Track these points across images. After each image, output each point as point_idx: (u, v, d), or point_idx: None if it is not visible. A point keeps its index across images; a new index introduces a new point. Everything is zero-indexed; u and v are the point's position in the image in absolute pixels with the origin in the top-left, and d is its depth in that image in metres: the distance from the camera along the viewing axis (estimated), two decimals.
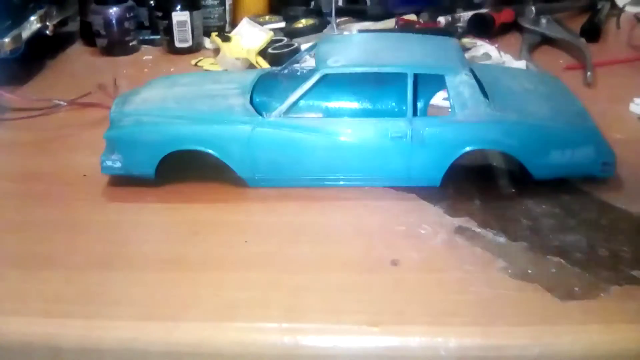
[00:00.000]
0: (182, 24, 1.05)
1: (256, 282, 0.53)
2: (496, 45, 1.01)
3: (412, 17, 1.15)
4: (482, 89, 0.66)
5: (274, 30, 1.04)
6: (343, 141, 0.63)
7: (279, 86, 0.74)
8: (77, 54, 1.10)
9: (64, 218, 0.62)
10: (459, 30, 1.07)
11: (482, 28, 1.07)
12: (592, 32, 1.06)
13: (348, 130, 0.63)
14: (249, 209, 0.63)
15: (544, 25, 1.08)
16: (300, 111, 0.72)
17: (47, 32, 1.02)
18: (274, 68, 0.79)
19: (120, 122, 0.67)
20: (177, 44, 1.06)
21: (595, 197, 0.63)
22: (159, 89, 0.73)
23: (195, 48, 1.07)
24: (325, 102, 0.76)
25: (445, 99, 0.73)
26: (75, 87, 0.88)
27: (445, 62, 0.66)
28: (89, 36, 1.09)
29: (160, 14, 1.06)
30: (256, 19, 1.10)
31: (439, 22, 1.12)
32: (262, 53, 0.96)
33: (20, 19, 0.95)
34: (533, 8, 1.13)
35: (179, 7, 1.05)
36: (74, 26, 1.14)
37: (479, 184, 0.65)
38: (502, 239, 0.57)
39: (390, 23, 1.12)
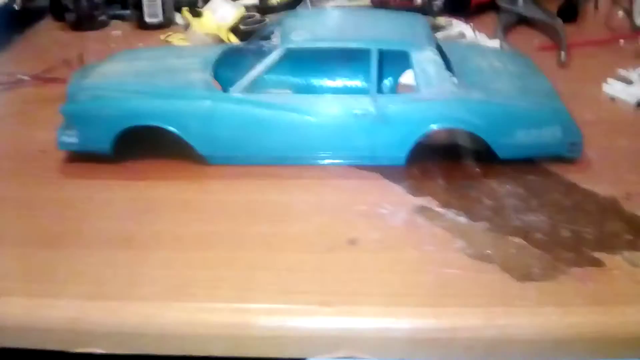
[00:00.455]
0: None
1: (208, 261, 0.51)
2: (471, 24, 0.99)
3: None
4: (449, 67, 0.64)
5: (247, 6, 1.02)
6: (306, 118, 0.62)
7: (245, 62, 0.72)
8: (46, 29, 1.07)
9: (16, 195, 0.61)
10: (435, 8, 1.05)
11: (458, 7, 1.05)
12: (569, 13, 1.05)
13: (311, 107, 0.62)
14: (207, 187, 0.62)
15: (521, 4, 1.06)
16: (267, 87, 0.70)
17: (15, 6, 1.00)
18: (240, 43, 0.77)
19: (77, 96, 0.65)
20: (147, 19, 1.03)
21: (561, 178, 0.62)
22: (119, 62, 0.71)
23: (166, 23, 1.04)
24: (294, 79, 0.74)
25: None
26: (41, 62, 0.86)
27: (411, 38, 0.64)
28: (58, 11, 1.07)
29: None
30: None
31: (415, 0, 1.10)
32: (234, 30, 0.94)
33: None
34: None
35: None
36: (44, 1, 1.12)
37: (444, 164, 0.64)
38: (463, 219, 0.56)
39: (365, 0, 1.10)
